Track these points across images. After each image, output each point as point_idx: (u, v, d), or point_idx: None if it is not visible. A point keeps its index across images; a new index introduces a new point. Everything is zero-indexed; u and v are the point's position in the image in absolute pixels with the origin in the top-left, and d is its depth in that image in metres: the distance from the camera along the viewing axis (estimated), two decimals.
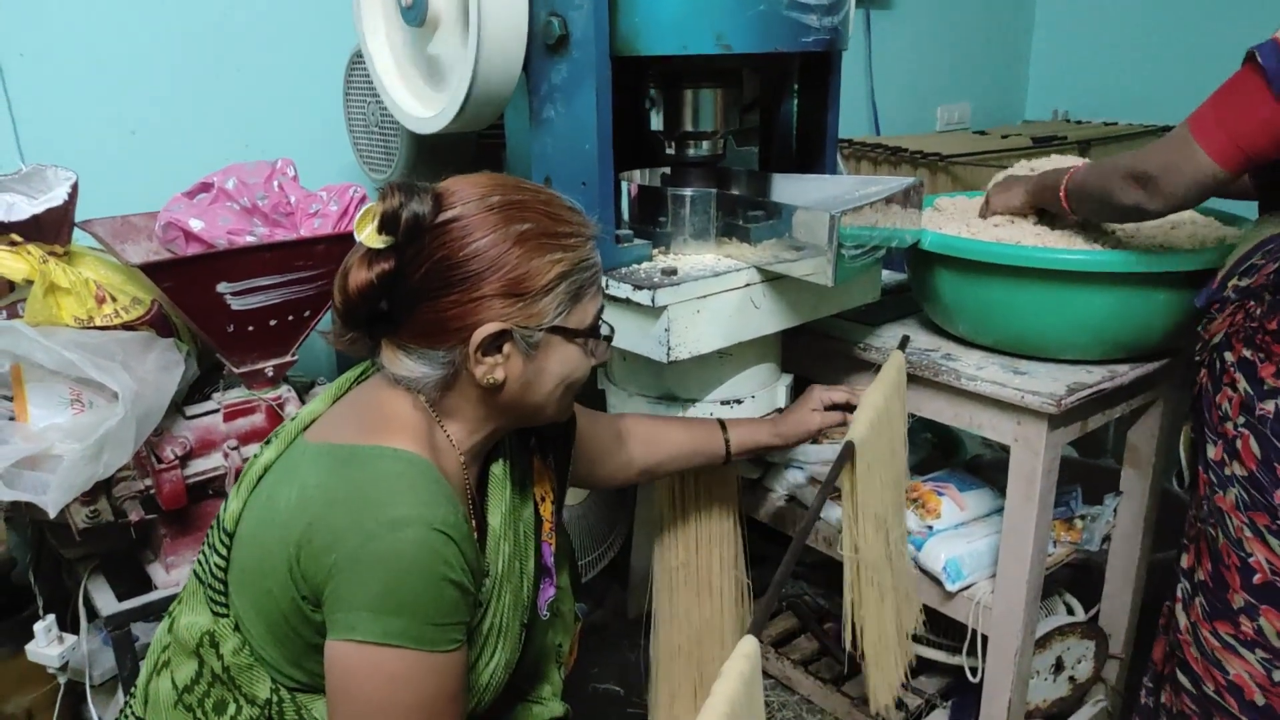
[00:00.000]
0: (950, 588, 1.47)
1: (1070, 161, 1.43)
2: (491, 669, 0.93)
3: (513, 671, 0.99)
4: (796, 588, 2.03)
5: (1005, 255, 1.32)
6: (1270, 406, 1.12)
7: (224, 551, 0.89)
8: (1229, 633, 1.19)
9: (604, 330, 0.95)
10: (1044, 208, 1.40)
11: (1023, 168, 1.56)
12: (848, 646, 1.27)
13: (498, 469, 0.97)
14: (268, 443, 0.93)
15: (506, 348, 0.87)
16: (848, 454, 1.18)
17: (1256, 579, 1.15)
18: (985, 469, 1.73)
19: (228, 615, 0.89)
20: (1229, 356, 1.18)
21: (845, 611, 1.26)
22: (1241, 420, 1.15)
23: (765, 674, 1.89)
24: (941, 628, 1.70)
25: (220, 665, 0.88)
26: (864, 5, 2.74)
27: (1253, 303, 1.15)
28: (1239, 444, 1.16)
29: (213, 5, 1.70)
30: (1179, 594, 1.28)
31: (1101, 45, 3.09)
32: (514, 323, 0.86)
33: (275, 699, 0.87)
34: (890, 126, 2.91)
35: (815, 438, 1.71)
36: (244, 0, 1.73)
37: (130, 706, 0.97)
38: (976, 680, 1.52)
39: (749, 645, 0.81)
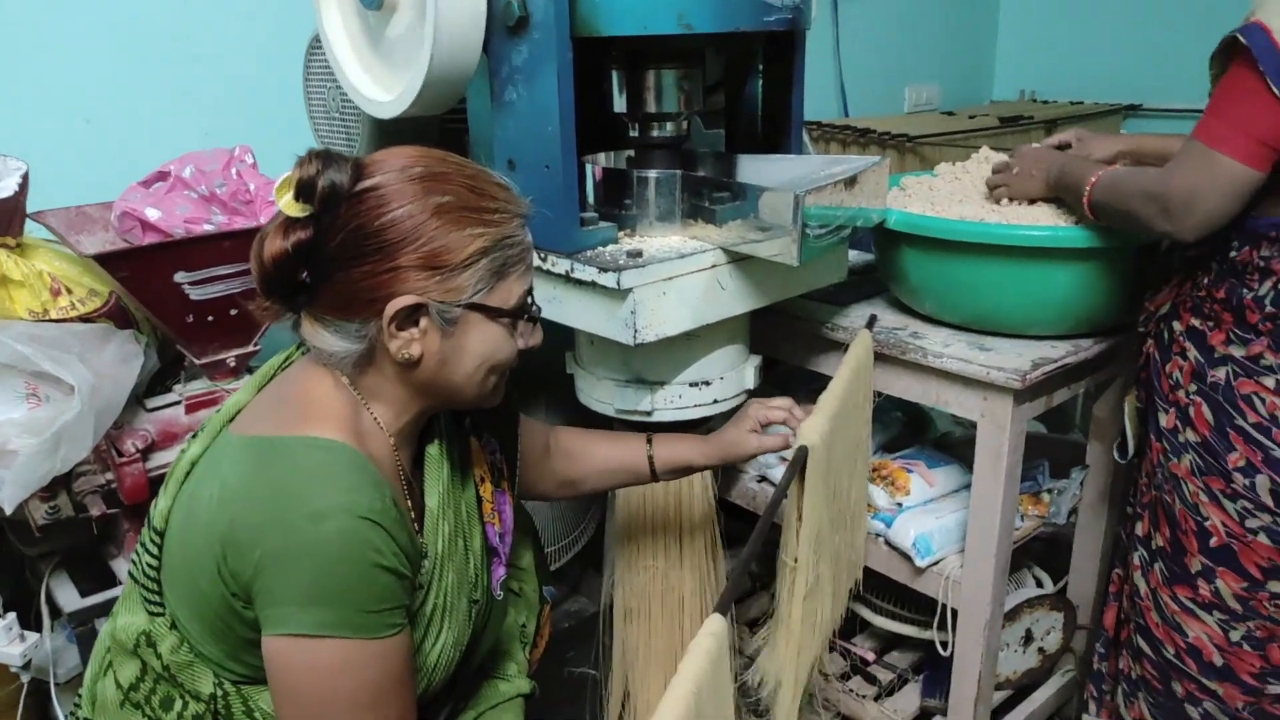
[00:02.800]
0: (920, 563, 1.49)
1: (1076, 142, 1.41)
2: (440, 649, 0.92)
3: (471, 651, 0.99)
4: (772, 568, 2.03)
5: (969, 233, 1.32)
6: (1221, 373, 1.14)
7: (155, 550, 0.88)
8: (1188, 596, 1.21)
9: (533, 311, 0.93)
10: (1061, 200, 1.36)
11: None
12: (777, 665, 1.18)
13: (433, 449, 0.96)
14: (194, 436, 0.92)
15: (423, 323, 0.85)
16: (800, 460, 1.15)
17: (1213, 542, 1.17)
18: (955, 446, 1.74)
19: (163, 614, 0.88)
20: (1177, 326, 1.21)
21: (779, 621, 1.19)
22: (1193, 388, 1.18)
23: (741, 653, 1.90)
24: (913, 602, 1.72)
25: (160, 664, 0.87)
26: None
27: (1199, 272, 1.17)
28: (1191, 411, 1.18)
29: None
30: (1136, 561, 1.30)
31: (1067, 26, 3.11)
32: (430, 297, 0.83)
33: (220, 693, 0.87)
34: (858, 108, 2.91)
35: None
36: None
37: (77, 709, 0.96)
38: (947, 654, 1.53)
39: (716, 624, 0.81)
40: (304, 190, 0.81)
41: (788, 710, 1.14)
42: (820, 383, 1.27)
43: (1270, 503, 1.12)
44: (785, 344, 1.63)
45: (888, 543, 1.54)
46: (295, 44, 1.67)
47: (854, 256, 1.80)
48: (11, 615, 1.32)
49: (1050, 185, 1.34)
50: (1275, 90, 0.99)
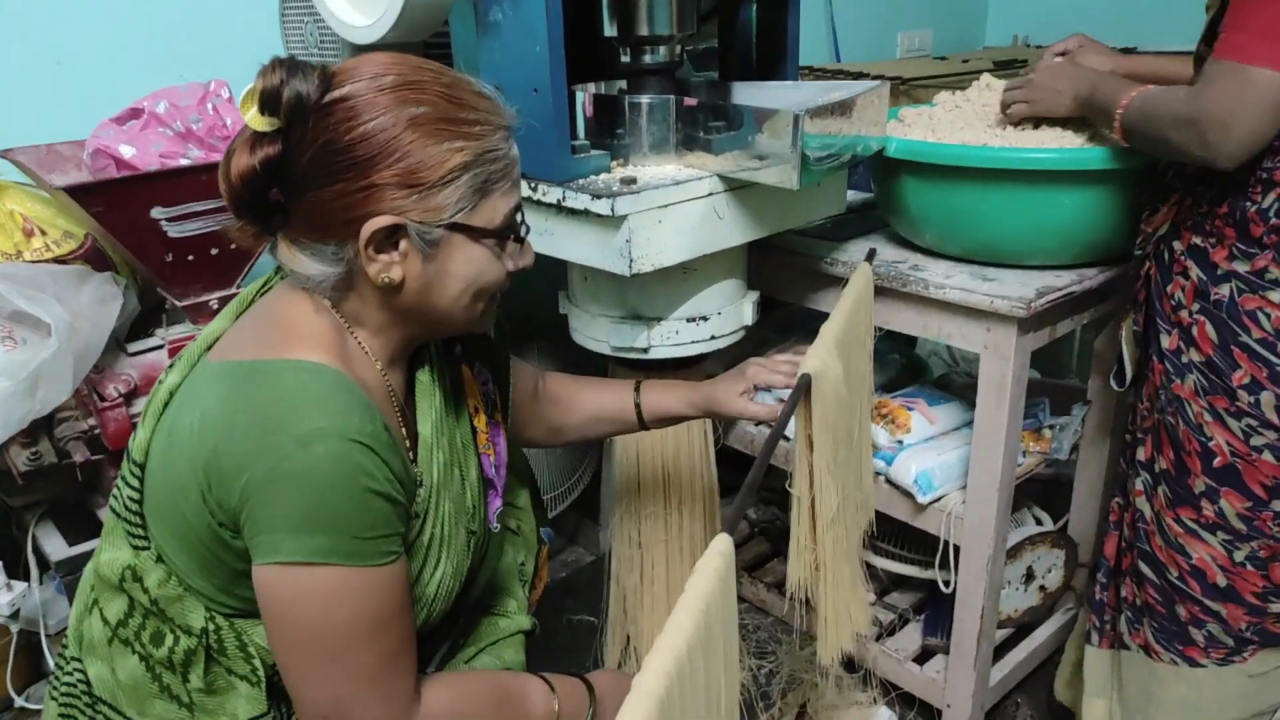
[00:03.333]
0: (922, 500, 1.47)
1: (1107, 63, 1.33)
2: (438, 579, 0.89)
3: (469, 583, 0.97)
4: (768, 513, 2.02)
5: (971, 157, 1.29)
6: (1224, 290, 1.12)
7: (136, 484, 0.84)
8: (1191, 518, 1.20)
9: (521, 230, 0.87)
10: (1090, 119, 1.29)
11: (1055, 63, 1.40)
12: (792, 590, 1.16)
13: (424, 376, 0.92)
14: (171, 367, 0.88)
15: (403, 245, 0.79)
16: (803, 388, 1.13)
17: (1216, 462, 1.16)
18: (954, 388, 1.72)
19: (149, 548, 0.84)
20: (1177, 245, 1.18)
21: (791, 554, 1.20)
22: (1196, 307, 1.15)
23: (739, 598, 1.89)
24: (913, 543, 1.70)
25: (148, 599, 0.84)
26: None
27: (1200, 188, 1.14)
28: (1194, 331, 1.15)
29: None
30: (1139, 486, 1.28)
31: None
32: (408, 217, 0.78)
33: (212, 627, 0.84)
34: (850, 54, 2.86)
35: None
36: None
37: (65, 650, 0.93)
38: (949, 591, 1.52)
39: (723, 543, 0.78)
40: (268, 102, 0.75)
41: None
42: (820, 321, 1.24)
43: (1275, 419, 1.10)
44: (784, 280, 1.59)
45: (889, 480, 1.53)
46: None
47: (852, 196, 1.77)
48: None
49: (1080, 102, 1.26)
50: None
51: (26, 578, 1.37)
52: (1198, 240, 1.15)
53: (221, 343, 0.86)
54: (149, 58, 1.63)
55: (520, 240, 0.88)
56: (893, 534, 1.72)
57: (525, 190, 1.20)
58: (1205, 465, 1.17)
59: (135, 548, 0.85)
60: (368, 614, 0.78)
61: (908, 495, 1.49)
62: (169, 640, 0.84)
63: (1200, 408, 1.16)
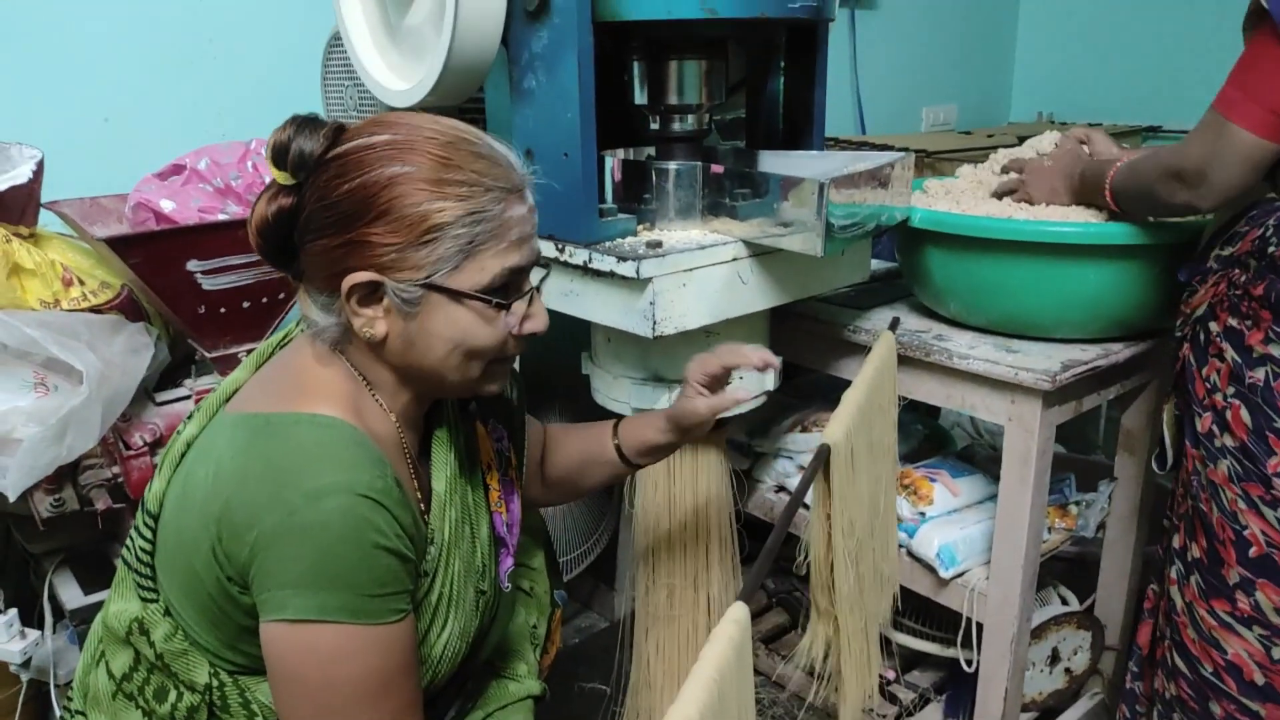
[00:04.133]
0: (944, 574, 1.44)
1: (1091, 142, 1.37)
2: (445, 639, 0.88)
3: (478, 644, 0.95)
4: (786, 583, 1.99)
5: (996, 230, 1.29)
6: (1260, 374, 1.09)
7: (149, 535, 0.85)
8: (1225, 610, 1.15)
9: (512, 296, 0.84)
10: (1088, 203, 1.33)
11: (1025, 149, 1.52)
12: (805, 662, 1.15)
13: (441, 433, 0.92)
14: (190, 417, 0.89)
15: (385, 301, 0.80)
16: (821, 458, 1.12)
17: (1252, 552, 1.12)
18: (978, 460, 1.70)
19: (157, 600, 0.84)
20: (1214, 327, 1.16)
21: (811, 624, 1.16)
22: (1231, 390, 1.13)
23: (755, 670, 1.84)
24: (935, 620, 1.66)
25: (153, 653, 0.83)
26: (849, 5, 2.74)
27: (1237, 270, 1.13)
28: (1229, 415, 1.13)
29: None
30: (1173, 575, 1.24)
31: (1085, 47, 3.10)
32: (386, 274, 0.79)
33: (216, 683, 0.83)
34: (875, 127, 2.90)
35: (804, 425, 1.68)
36: None
37: (70, 704, 0.92)
38: (971, 671, 1.48)
39: (739, 611, 0.77)
40: (277, 157, 0.79)
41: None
42: (842, 389, 1.24)
43: None
44: (806, 347, 1.59)
45: (910, 553, 1.50)
46: (314, 43, 1.67)
47: (876, 264, 1.78)
48: (13, 612, 1.29)
49: (1076, 192, 1.32)
50: None
51: (41, 626, 1.37)
52: (1234, 322, 1.13)
53: (240, 395, 0.87)
54: (193, 116, 1.69)
55: (529, 302, 0.87)
56: (914, 609, 1.68)
57: (551, 251, 1.21)
58: (1240, 555, 1.13)
59: (144, 600, 0.85)
60: (373, 673, 0.77)
61: (929, 569, 1.47)
62: (172, 696, 0.84)
63: (1234, 494, 1.13)
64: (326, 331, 0.84)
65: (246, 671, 0.84)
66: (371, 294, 0.80)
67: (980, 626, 1.44)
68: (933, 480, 1.56)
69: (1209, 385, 1.16)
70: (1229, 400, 1.13)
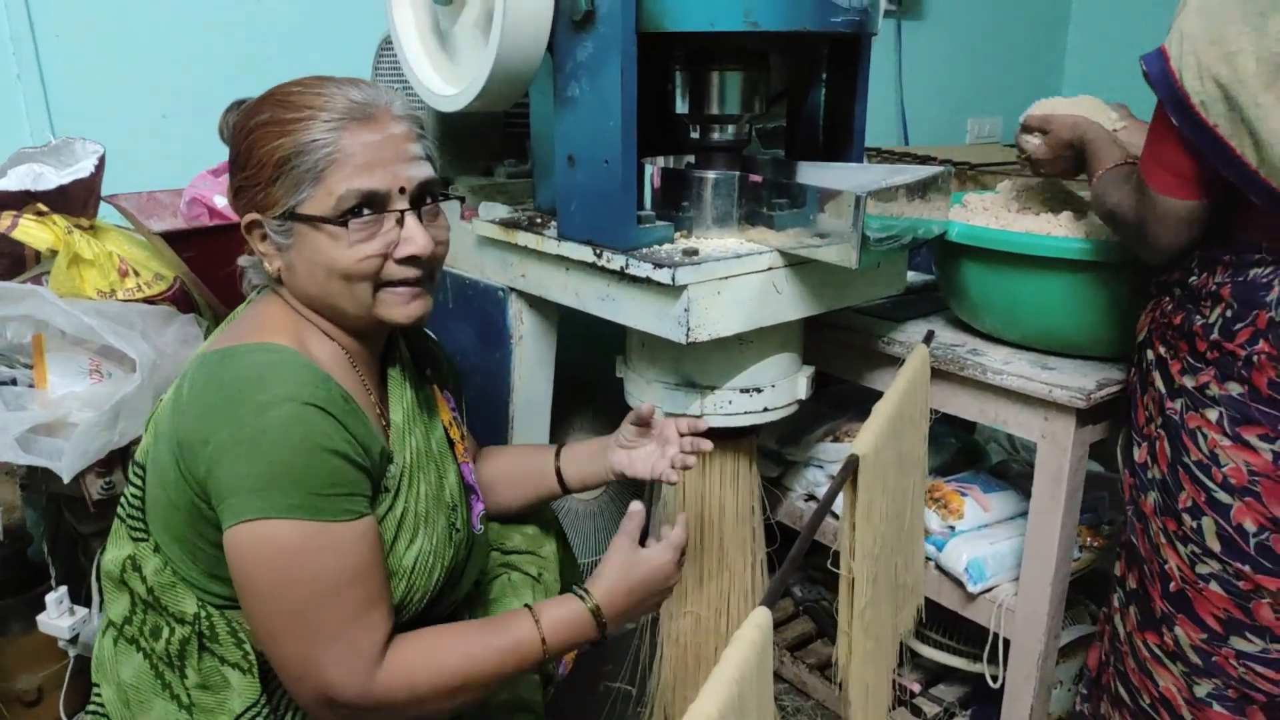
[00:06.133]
0: (972, 589, 1.44)
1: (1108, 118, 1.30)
2: (416, 552, 0.93)
3: (455, 579, 1.01)
4: (814, 592, 1.99)
5: (1035, 246, 1.29)
6: (1177, 405, 1.06)
7: (138, 484, 0.92)
8: (1155, 643, 1.11)
9: (364, 214, 0.88)
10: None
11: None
12: (839, 674, 1.17)
13: (394, 372, 1.00)
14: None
15: (269, 238, 0.91)
16: (850, 468, 1.13)
17: (1171, 587, 1.07)
18: (1011, 475, 1.69)
19: (147, 539, 0.91)
20: (1149, 355, 1.12)
21: (840, 633, 1.17)
22: (1159, 421, 1.09)
23: (780, 677, 1.85)
24: (962, 634, 1.66)
25: (145, 588, 0.90)
26: (895, 15, 2.73)
27: (1166, 298, 1.10)
28: (1156, 445, 1.09)
29: None
30: (1116, 603, 1.20)
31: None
32: (259, 214, 0.90)
33: (204, 613, 0.89)
34: (919, 137, 2.89)
35: (836, 435, 1.69)
36: None
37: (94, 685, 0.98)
38: (997, 687, 1.47)
39: (761, 615, 0.79)
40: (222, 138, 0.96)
41: None
42: (874, 400, 1.25)
43: (1217, 548, 1.02)
44: (839, 358, 1.60)
45: (938, 567, 1.50)
46: (366, 45, 1.70)
47: (912, 277, 1.78)
48: (63, 589, 1.35)
49: (1075, 146, 1.27)
50: (1173, 120, 0.94)
51: (89, 603, 1.42)
52: (1162, 351, 1.10)
53: (207, 342, 0.95)
54: None
55: (401, 224, 0.90)
56: (942, 623, 1.68)
57: (589, 256, 1.24)
58: (1164, 588, 1.09)
59: (135, 540, 0.92)
60: (332, 569, 0.82)
61: (958, 583, 1.46)
62: (165, 633, 0.90)
63: (1158, 527, 1.09)
64: (255, 273, 0.96)
65: (231, 605, 0.89)
66: (258, 234, 0.92)
67: (1007, 643, 1.43)
68: (964, 494, 1.55)
69: (1146, 414, 1.13)
70: (1158, 431, 1.10)
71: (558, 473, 1.20)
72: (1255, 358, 0.97)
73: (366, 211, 0.89)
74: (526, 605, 0.96)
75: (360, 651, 0.84)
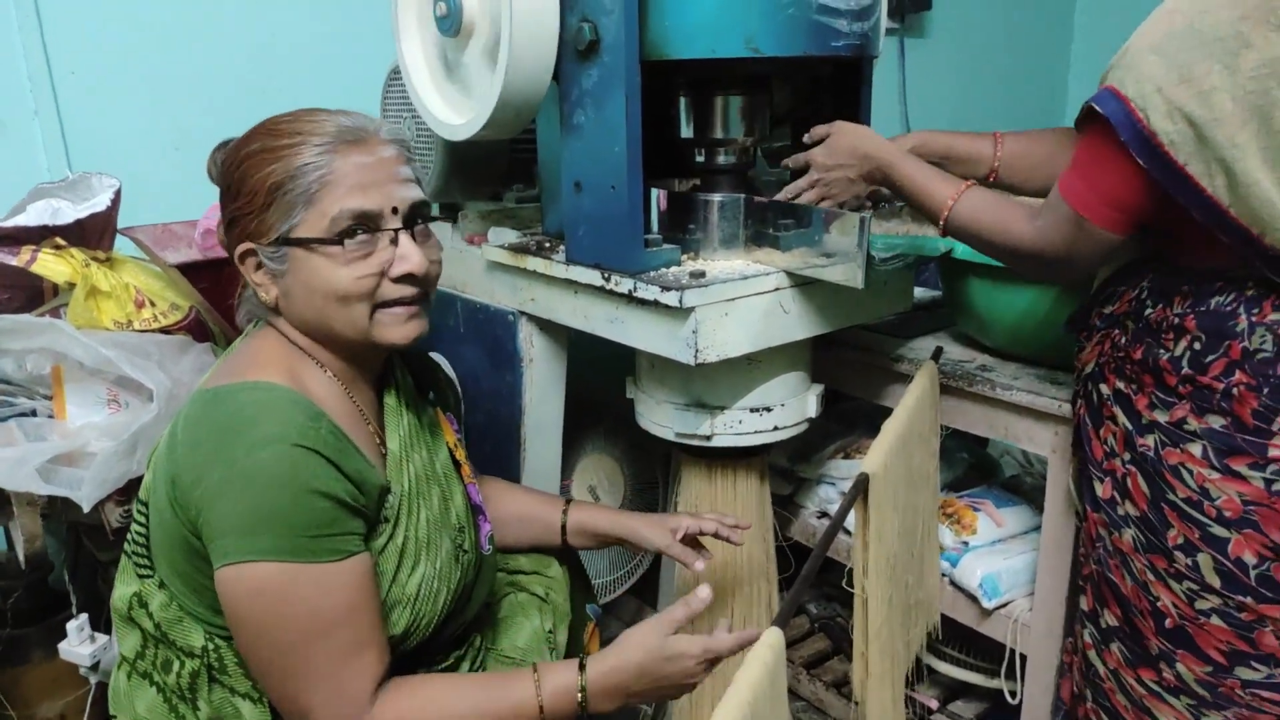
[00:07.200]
0: (987, 605, 1.43)
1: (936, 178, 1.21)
2: (419, 578, 0.94)
3: (463, 601, 1.01)
4: (829, 609, 1.99)
5: None
6: (1150, 441, 1.03)
7: (143, 520, 0.93)
8: (1153, 680, 1.09)
9: (358, 233, 0.89)
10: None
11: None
12: (856, 693, 1.18)
13: (390, 399, 1.01)
14: None
15: (264, 266, 0.91)
16: (860, 487, 1.12)
17: (1168, 623, 1.05)
18: (1024, 490, 1.69)
19: (152, 576, 0.92)
20: (1104, 389, 1.10)
21: (856, 653, 1.18)
22: (1127, 457, 1.07)
23: (796, 695, 1.85)
24: (979, 649, 1.65)
25: (152, 624, 0.91)
26: (898, 33, 2.75)
27: (1117, 331, 1.08)
28: (1129, 482, 1.07)
29: (258, 30, 1.75)
30: (1088, 639, 1.17)
31: None
32: (253, 242, 0.91)
33: (211, 645, 0.90)
34: None
35: (847, 452, 1.69)
36: (286, 26, 1.78)
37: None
38: (1015, 702, 1.47)
39: (773, 636, 0.80)
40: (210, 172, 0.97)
41: None
42: (884, 417, 1.26)
43: (1216, 583, 0.99)
44: (848, 376, 1.61)
45: (953, 583, 1.50)
46: (375, 76, 1.73)
47: (920, 293, 1.79)
48: (83, 616, 1.36)
49: (874, 182, 1.25)
50: (1139, 160, 0.92)
51: (109, 630, 1.43)
52: (1121, 385, 1.08)
53: (204, 378, 0.97)
54: None
55: (395, 244, 0.92)
56: (958, 638, 1.67)
57: (597, 279, 1.25)
58: (1158, 625, 1.06)
59: (141, 577, 0.93)
60: (323, 611, 0.83)
61: (972, 599, 1.46)
62: (176, 666, 0.91)
63: (1142, 565, 1.06)
64: (250, 305, 0.96)
65: None
66: (252, 264, 0.92)
67: (1024, 659, 1.43)
68: (976, 510, 1.55)
69: (1107, 449, 1.11)
70: (1127, 467, 1.07)
71: (563, 526, 1.23)
72: (1234, 390, 0.95)
73: (361, 231, 0.90)
74: (533, 664, 0.94)
75: (348, 695, 0.84)
